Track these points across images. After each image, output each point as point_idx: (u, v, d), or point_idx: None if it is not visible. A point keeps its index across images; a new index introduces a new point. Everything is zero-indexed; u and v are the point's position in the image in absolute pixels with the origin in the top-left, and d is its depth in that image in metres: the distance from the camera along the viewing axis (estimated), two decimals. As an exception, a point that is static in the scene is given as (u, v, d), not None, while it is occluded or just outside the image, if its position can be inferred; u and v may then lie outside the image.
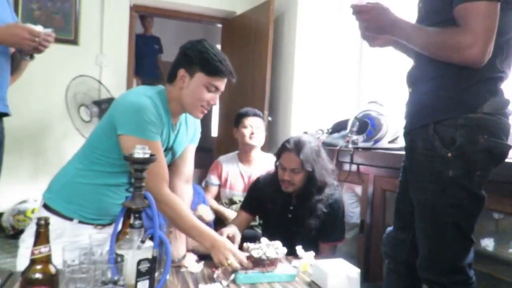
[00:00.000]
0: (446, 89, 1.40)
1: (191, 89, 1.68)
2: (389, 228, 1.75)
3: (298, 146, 2.13)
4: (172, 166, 1.87)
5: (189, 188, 1.93)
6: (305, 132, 3.03)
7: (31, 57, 2.01)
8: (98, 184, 1.69)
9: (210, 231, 1.69)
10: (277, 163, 2.23)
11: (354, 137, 2.48)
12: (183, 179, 1.90)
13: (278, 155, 2.21)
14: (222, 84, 1.72)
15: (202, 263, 1.79)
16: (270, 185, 2.27)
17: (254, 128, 2.90)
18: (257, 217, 2.61)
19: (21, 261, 1.62)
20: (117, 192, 1.71)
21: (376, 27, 1.45)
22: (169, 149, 1.79)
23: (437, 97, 1.42)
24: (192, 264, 1.73)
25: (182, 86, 1.69)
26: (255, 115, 2.97)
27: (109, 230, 1.72)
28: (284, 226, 2.21)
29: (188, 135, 1.88)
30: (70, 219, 1.68)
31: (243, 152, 2.97)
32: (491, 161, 1.38)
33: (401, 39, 1.44)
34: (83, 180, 1.68)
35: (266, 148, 3.73)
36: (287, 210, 2.22)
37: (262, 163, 2.90)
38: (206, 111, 1.74)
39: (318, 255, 2.16)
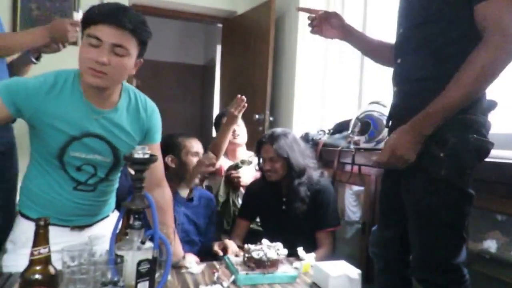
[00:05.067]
0: (435, 91, 1.38)
1: (78, 52, 1.43)
2: (374, 228, 1.75)
3: (272, 137, 2.36)
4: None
5: (163, 191, 1.79)
6: (307, 133, 3.03)
7: (38, 59, 2.05)
8: (41, 182, 1.60)
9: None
10: (260, 160, 2.43)
11: (356, 137, 2.46)
12: (153, 183, 1.72)
13: (258, 150, 2.42)
14: (102, 32, 1.39)
15: (203, 264, 1.78)
16: (261, 185, 2.47)
17: (235, 127, 2.90)
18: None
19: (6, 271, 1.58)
20: (66, 191, 1.60)
21: (409, 157, 1.37)
22: (93, 136, 1.55)
23: (426, 98, 1.41)
24: (193, 265, 1.72)
25: None
26: None
27: (90, 232, 1.67)
28: (280, 219, 2.35)
29: (127, 126, 1.62)
30: None
31: (230, 152, 2.97)
32: (477, 159, 1.39)
33: (449, 112, 1.33)
34: (31, 179, 1.63)
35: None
36: (280, 203, 2.37)
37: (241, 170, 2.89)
38: (98, 74, 1.42)
39: (317, 247, 2.28)
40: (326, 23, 1.80)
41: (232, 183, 2.77)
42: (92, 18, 1.39)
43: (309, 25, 1.83)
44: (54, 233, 1.50)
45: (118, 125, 1.59)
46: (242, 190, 2.79)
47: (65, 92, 1.49)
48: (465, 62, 1.29)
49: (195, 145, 2.36)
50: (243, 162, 2.78)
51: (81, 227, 1.68)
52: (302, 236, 2.25)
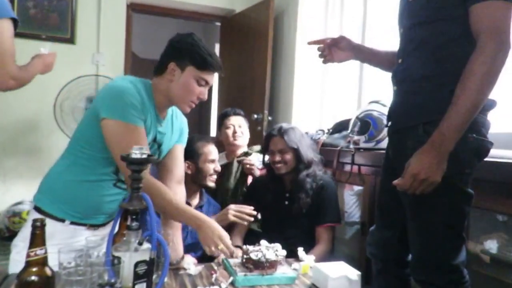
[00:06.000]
0: (435, 90, 1.39)
1: (181, 83, 1.67)
2: (372, 228, 1.74)
3: (281, 130, 2.42)
4: (163, 167, 1.87)
5: (181, 188, 1.91)
6: (306, 133, 3.01)
7: None
8: (84, 180, 1.66)
9: (196, 212, 1.69)
10: (267, 154, 2.49)
11: (356, 137, 2.45)
12: (174, 180, 1.88)
13: (266, 144, 2.48)
14: (211, 78, 1.72)
15: (201, 266, 1.77)
16: (265, 181, 2.52)
17: (237, 127, 2.92)
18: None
19: (13, 267, 1.59)
20: (104, 188, 1.69)
21: (433, 179, 1.31)
22: (154, 142, 1.76)
23: (426, 97, 1.41)
24: (191, 266, 1.71)
25: (172, 79, 1.68)
26: (235, 114, 2.97)
27: (103, 231, 1.73)
28: (282, 215, 2.39)
29: (173, 133, 1.87)
30: (62, 221, 1.65)
31: (230, 153, 2.96)
32: (477, 158, 1.39)
33: (462, 126, 1.29)
34: (69, 177, 1.66)
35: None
36: (283, 198, 2.43)
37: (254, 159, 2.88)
38: (194, 106, 1.74)
39: (316, 242, 2.32)
40: (336, 49, 1.80)
41: (242, 170, 2.79)
42: (210, 66, 1.68)
43: (320, 56, 1.83)
44: (71, 232, 1.65)
45: (168, 131, 1.82)
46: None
47: (147, 102, 1.65)
48: (465, 72, 1.28)
49: (213, 152, 2.44)
50: (246, 153, 2.83)
51: (96, 226, 1.74)
52: (303, 233, 2.32)
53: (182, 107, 1.74)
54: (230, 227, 2.57)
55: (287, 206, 2.40)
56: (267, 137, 2.50)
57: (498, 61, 1.26)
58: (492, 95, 1.37)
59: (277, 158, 2.39)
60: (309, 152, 2.42)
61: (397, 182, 1.38)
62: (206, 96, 1.73)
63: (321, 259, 2.09)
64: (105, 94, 1.60)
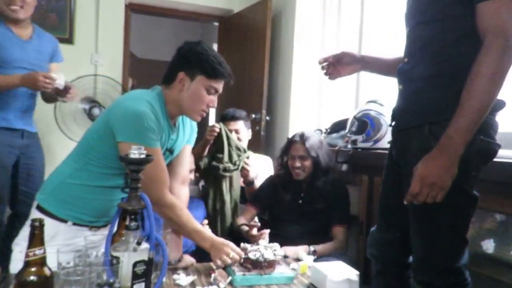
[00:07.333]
0: (441, 89, 1.37)
1: (191, 92, 1.68)
2: (373, 229, 1.73)
3: (303, 137, 2.49)
4: (168, 167, 1.85)
5: (185, 188, 1.93)
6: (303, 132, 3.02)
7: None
8: (92, 185, 1.66)
9: (210, 234, 1.74)
10: (285, 158, 2.57)
11: (353, 137, 2.46)
12: (179, 180, 1.89)
13: (287, 149, 2.56)
14: (221, 86, 1.73)
15: (191, 277, 1.70)
16: (283, 179, 2.60)
17: (233, 134, 2.89)
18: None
19: (15, 266, 1.60)
20: (113, 193, 1.69)
21: (443, 183, 1.29)
22: (168, 151, 1.77)
23: (432, 97, 1.40)
24: (181, 277, 1.66)
25: (181, 89, 1.69)
26: (234, 118, 2.93)
27: (104, 231, 1.71)
28: (294, 212, 2.50)
29: (185, 135, 1.86)
30: (65, 221, 1.65)
31: None
32: (483, 160, 1.37)
33: (470, 128, 1.27)
34: (77, 181, 1.66)
35: (263, 147, 3.71)
36: (298, 197, 2.53)
37: (252, 163, 2.88)
38: (204, 114, 1.74)
39: (332, 239, 2.45)
40: (340, 65, 1.79)
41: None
42: (220, 74, 1.68)
43: (325, 74, 1.84)
44: (73, 233, 1.65)
45: (180, 135, 1.83)
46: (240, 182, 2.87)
47: (162, 119, 1.65)
48: (472, 73, 1.26)
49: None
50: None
51: (98, 227, 1.74)
52: (313, 231, 2.42)
53: (193, 117, 1.75)
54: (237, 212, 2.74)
55: (301, 205, 2.50)
56: (289, 142, 2.57)
57: (504, 61, 1.24)
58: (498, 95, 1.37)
59: (297, 163, 2.47)
60: (327, 160, 2.49)
61: (407, 195, 1.35)
62: (215, 104, 1.74)
63: (331, 252, 2.28)
64: (122, 118, 1.57)
